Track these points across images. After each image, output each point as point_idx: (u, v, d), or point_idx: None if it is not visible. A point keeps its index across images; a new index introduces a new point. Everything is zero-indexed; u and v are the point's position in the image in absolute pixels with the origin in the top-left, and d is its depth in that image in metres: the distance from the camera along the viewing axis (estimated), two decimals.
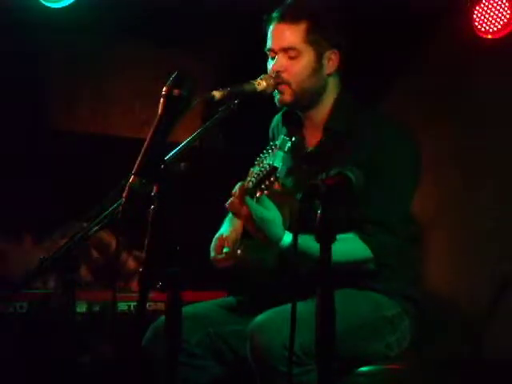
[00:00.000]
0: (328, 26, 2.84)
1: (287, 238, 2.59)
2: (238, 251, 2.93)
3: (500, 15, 4.03)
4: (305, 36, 2.81)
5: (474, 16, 4.08)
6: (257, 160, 2.43)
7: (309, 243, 2.24)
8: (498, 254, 4.07)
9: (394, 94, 4.59)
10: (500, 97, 4.12)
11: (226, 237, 2.98)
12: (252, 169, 2.55)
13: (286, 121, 3.02)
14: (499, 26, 4.04)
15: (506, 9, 4.02)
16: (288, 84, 2.82)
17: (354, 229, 2.73)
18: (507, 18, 4.02)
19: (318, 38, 2.82)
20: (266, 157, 2.37)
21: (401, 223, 2.81)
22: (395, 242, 2.79)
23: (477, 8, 4.08)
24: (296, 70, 2.82)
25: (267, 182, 2.25)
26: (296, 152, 2.82)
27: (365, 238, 2.73)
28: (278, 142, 2.27)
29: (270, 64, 2.85)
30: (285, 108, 2.99)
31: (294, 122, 2.98)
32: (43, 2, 4.07)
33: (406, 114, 4.36)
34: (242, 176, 3.36)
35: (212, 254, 2.99)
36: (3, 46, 4.36)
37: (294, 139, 2.33)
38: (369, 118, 2.86)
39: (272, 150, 2.31)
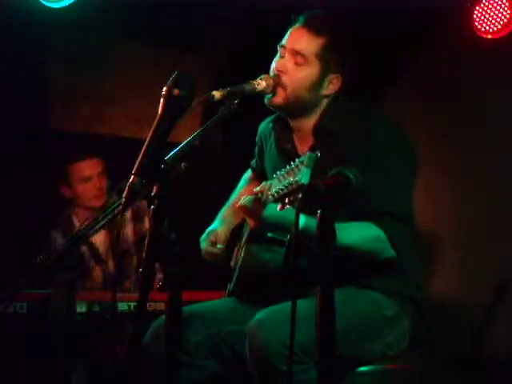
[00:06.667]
0: (343, 50, 2.84)
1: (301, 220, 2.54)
2: (240, 252, 2.96)
3: (500, 15, 4.03)
4: (319, 50, 2.80)
5: (474, 16, 4.08)
6: (275, 174, 2.39)
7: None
8: (498, 254, 4.07)
9: (394, 94, 4.59)
10: (500, 96, 4.12)
11: (219, 232, 3.00)
12: (269, 182, 2.49)
13: (275, 127, 3.01)
14: (499, 26, 4.03)
15: (506, 9, 4.02)
16: (284, 87, 2.81)
17: (366, 221, 2.74)
18: (507, 18, 4.01)
19: (329, 58, 2.81)
20: (287, 172, 2.32)
21: (408, 215, 2.82)
22: (408, 231, 2.81)
23: (477, 8, 4.07)
24: (297, 77, 2.81)
25: (292, 198, 2.22)
26: (288, 159, 2.81)
27: (380, 225, 2.73)
28: (304, 159, 2.24)
29: (276, 60, 2.85)
30: (274, 115, 3.00)
31: (284, 129, 2.98)
32: (43, 2, 4.07)
33: (406, 113, 4.36)
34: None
35: (203, 244, 3.00)
36: (3, 46, 4.36)
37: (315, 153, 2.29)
38: (357, 115, 2.87)
39: (297, 166, 2.28)
